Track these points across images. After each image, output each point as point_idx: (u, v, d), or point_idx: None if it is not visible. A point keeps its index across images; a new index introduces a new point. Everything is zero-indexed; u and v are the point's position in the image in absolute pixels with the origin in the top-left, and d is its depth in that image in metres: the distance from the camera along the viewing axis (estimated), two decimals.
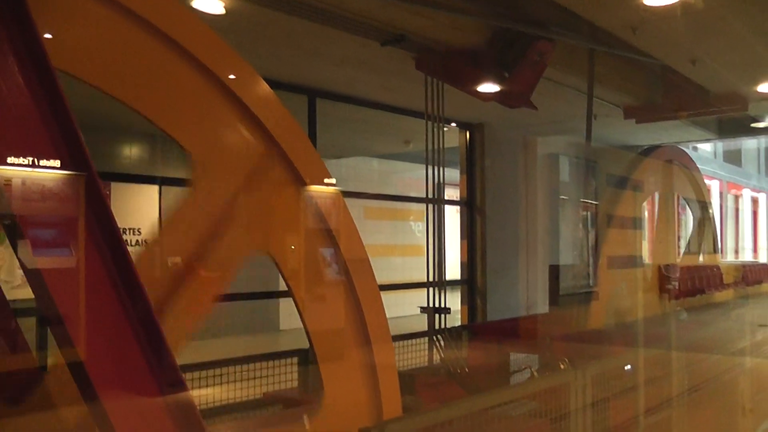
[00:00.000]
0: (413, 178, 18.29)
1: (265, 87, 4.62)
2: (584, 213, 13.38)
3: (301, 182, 4.80)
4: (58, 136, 3.31)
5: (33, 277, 3.26)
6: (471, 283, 12.66)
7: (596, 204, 13.09)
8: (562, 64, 8.78)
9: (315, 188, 4.92)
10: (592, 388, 5.32)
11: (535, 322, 10.33)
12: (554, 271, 11.85)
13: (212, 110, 4.39)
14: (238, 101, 4.39)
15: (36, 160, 3.23)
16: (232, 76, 4.37)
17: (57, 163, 3.30)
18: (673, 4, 7.18)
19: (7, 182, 3.19)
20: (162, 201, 12.25)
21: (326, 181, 5.05)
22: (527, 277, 12.70)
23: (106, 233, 3.40)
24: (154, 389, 3.54)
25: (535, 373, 7.61)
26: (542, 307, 12.12)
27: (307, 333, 4.93)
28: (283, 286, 5.05)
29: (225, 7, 6.61)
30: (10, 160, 3.17)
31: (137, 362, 3.50)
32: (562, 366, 6.68)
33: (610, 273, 11.14)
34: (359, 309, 5.14)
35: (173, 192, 12.07)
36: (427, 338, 8.69)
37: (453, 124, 12.30)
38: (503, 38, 7.93)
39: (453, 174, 12.47)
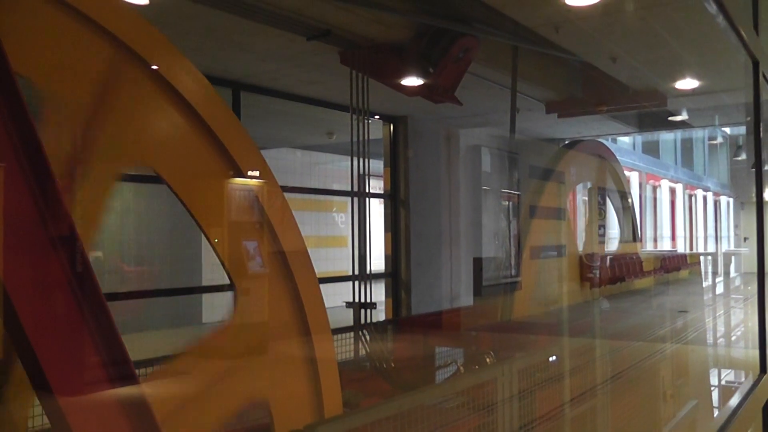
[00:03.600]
0: (336, 168, 18.32)
1: (200, 77, 4.58)
2: (506, 203, 13.57)
3: (237, 172, 4.78)
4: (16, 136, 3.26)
5: None
6: (395, 276, 12.73)
7: (518, 194, 13.30)
8: (486, 59, 8.88)
9: (254, 179, 4.91)
10: (518, 381, 5.42)
11: (459, 315, 10.44)
12: (478, 263, 12.00)
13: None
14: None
15: None
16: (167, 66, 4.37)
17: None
18: (594, 4, 7.33)
19: None
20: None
21: (263, 170, 5.03)
22: (451, 268, 12.81)
23: (61, 230, 3.40)
24: (107, 382, 3.50)
25: (461, 368, 7.70)
26: (467, 298, 12.26)
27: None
28: (206, 282, 5.04)
29: None
30: None
31: (90, 356, 3.45)
32: (488, 360, 6.79)
33: (532, 263, 11.31)
34: (299, 302, 5.14)
35: None
36: (352, 333, 8.71)
37: (377, 117, 12.33)
38: (428, 34, 7.98)
39: (378, 165, 12.51)
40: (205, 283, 15.84)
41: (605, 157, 13.84)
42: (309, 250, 5.30)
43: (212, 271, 15.26)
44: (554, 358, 6.64)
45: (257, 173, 5.00)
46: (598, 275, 12.15)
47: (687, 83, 10.69)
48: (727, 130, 30.00)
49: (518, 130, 10.18)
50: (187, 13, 7.11)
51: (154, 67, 4.32)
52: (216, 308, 15.75)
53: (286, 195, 5.43)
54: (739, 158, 31.82)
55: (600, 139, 15.05)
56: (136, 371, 3.77)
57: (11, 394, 4.03)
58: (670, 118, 13.12)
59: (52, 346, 3.34)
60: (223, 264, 4.85)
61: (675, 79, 10.55)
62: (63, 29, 3.97)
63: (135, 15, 4.35)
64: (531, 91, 10.61)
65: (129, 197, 14.02)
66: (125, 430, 3.60)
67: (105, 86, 4.22)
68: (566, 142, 14.59)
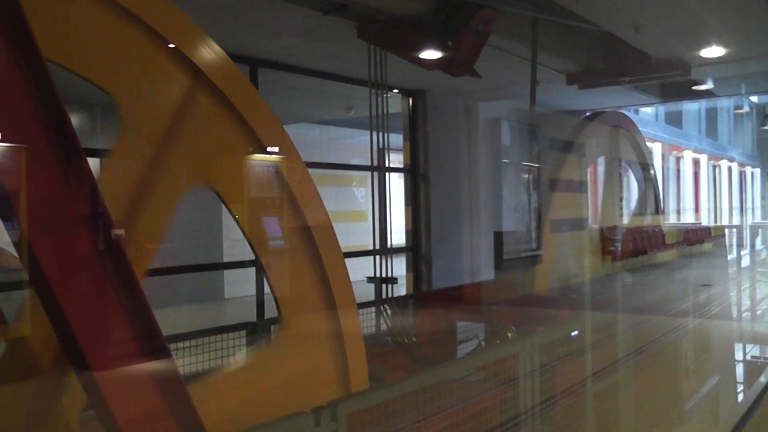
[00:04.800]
0: (356, 143, 18.26)
1: (221, 53, 4.62)
2: (527, 176, 13.50)
3: (261, 149, 4.81)
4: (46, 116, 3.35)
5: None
6: (416, 251, 12.71)
7: (539, 167, 13.20)
8: (506, 31, 8.78)
9: (277, 155, 4.92)
10: (540, 355, 5.39)
11: (480, 289, 10.40)
12: (498, 237, 11.94)
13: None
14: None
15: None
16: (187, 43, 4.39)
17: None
18: None
19: None
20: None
21: (286, 146, 5.05)
22: (471, 242, 12.77)
23: (93, 208, 3.49)
24: (140, 356, 3.59)
25: (483, 343, 7.68)
26: (487, 272, 12.22)
27: (276, 301, 4.95)
28: (228, 258, 5.07)
29: None
30: None
31: (122, 330, 3.55)
32: (509, 334, 6.77)
33: (553, 236, 11.26)
34: (324, 276, 5.16)
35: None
36: (373, 308, 8.69)
37: (395, 91, 12.26)
38: (446, 6, 7.89)
39: (397, 139, 12.46)
40: (226, 259, 15.92)
41: (627, 129, 13.72)
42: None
43: (233, 247, 15.34)
44: (576, 332, 6.61)
45: (281, 149, 5.01)
46: (619, 248, 12.07)
47: (712, 51, 10.47)
48: (754, 98, 29.46)
49: (538, 102, 10.09)
50: None
51: (174, 44, 4.34)
52: (238, 284, 15.84)
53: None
54: (766, 127, 31.45)
55: (621, 111, 14.90)
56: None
57: None
58: (694, 88, 12.92)
59: (87, 322, 3.40)
60: (249, 240, 4.89)
61: (699, 47, 10.36)
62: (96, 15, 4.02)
63: None
64: (551, 62, 10.49)
65: None
66: (159, 402, 3.65)
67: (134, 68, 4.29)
68: (587, 114, 14.45)
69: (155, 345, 3.66)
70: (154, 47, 4.30)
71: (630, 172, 14.29)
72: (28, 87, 3.31)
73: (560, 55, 10.48)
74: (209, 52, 4.57)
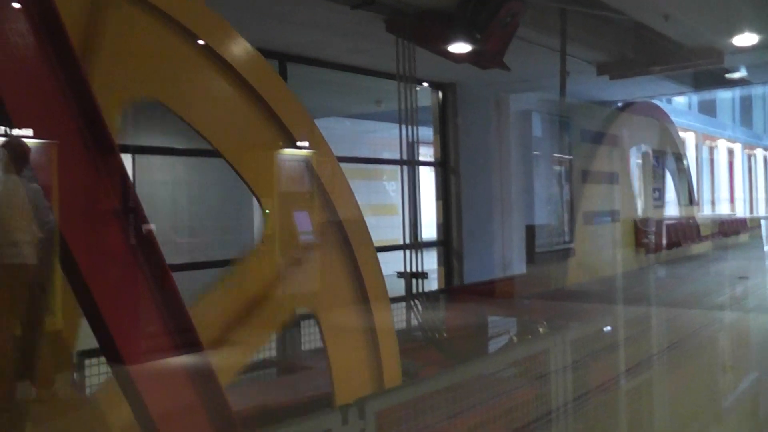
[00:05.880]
0: (386, 137, 18.19)
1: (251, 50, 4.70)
2: (558, 168, 13.39)
3: (292, 143, 4.86)
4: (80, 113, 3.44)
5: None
6: (447, 245, 12.64)
7: (570, 159, 13.10)
8: (534, 23, 8.70)
9: (308, 149, 4.94)
10: (571, 351, 5.33)
11: (511, 283, 10.33)
12: (530, 230, 11.86)
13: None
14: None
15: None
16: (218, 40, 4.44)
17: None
18: None
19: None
20: (136, 170, 12.09)
21: (317, 140, 5.07)
22: (503, 235, 12.68)
23: (126, 203, 3.58)
24: (173, 349, 3.65)
25: (514, 338, 7.63)
26: (519, 265, 12.13)
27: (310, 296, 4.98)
28: None
29: None
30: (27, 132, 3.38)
31: (156, 324, 3.61)
32: (541, 330, 6.71)
33: (586, 229, 11.16)
34: (357, 271, 5.16)
35: (147, 161, 11.90)
36: (404, 303, 8.67)
37: (425, 84, 12.20)
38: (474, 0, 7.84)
39: (427, 132, 12.39)
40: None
41: (659, 119, 13.57)
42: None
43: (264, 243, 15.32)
44: (609, 328, 6.53)
45: (312, 143, 5.02)
46: (653, 241, 11.94)
47: (745, 38, 10.27)
48: None
49: (569, 93, 10.00)
50: None
51: (204, 41, 4.39)
52: None
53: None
54: None
55: (653, 100, 14.73)
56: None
57: None
58: (727, 76, 12.72)
59: (120, 315, 3.44)
60: (275, 234, 4.91)
61: (732, 35, 10.18)
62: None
63: None
64: (581, 53, 10.38)
65: (180, 169, 14.08)
66: (192, 396, 3.67)
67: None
68: (618, 105, 14.29)
69: (188, 339, 3.67)
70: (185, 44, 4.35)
71: (663, 162, 14.13)
72: (62, 84, 3.38)
73: (590, 46, 10.37)
74: (239, 48, 4.62)
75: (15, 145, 3.58)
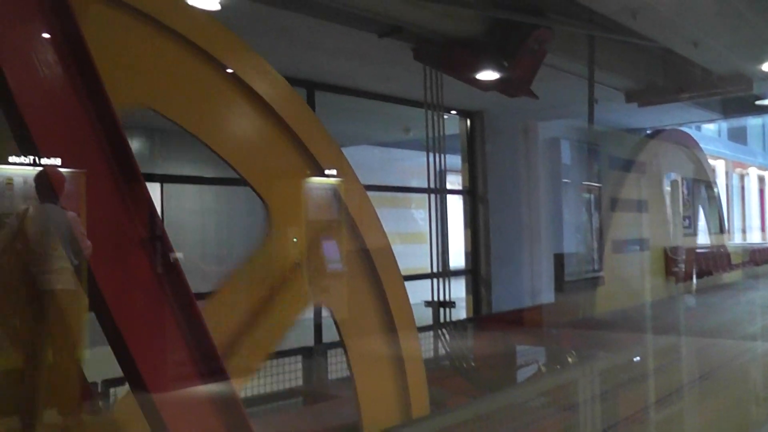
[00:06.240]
0: (414, 165, 18.17)
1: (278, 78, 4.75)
2: (587, 196, 13.31)
3: (319, 172, 4.90)
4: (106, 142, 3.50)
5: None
6: (475, 273, 12.58)
7: (599, 187, 13.02)
8: (562, 50, 8.68)
9: (335, 177, 4.96)
10: (600, 381, 5.26)
11: (540, 312, 10.25)
12: (559, 259, 11.78)
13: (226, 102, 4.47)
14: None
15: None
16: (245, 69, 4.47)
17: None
18: None
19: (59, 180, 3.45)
20: (164, 199, 12.17)
21: (345, 170, 5.08)
22: (531, 263, 12.60)
23: (151, 231, 3.61)
24: (198, 378, 3.66)
25: (543, 368, 7.55)
26: (548, 294, 12.04)
27: (336, 324, 4.96)
28: None
29: (220, 3, 6.53)
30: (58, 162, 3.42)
31: (181, 352, 3.63)
32: (569, 359, 6.63)
33: (615, 257, 11.06)
34: (384, 299, 5.15)
35: (175, 189, 11.99)
36: (432, 332, 8.62)
37: (453, 112, 12.20)
38: (502, 27, 7.83)
39: (455, 160, 12.38)
40: None
41: (689, 146, 13.47)
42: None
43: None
44: (638, 358, 6.45)
45: (339, 171, 5.03)
46: (683, 269, 11.81)
47: None
48: None
49: (597, 120, 9.94)
50: (258, 15, 7.10)
51: (232, 69, 4.41)
52: None
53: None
54: None
55: (683, 128, 14.63)
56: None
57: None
58: (757, 102, 12.62)
59: (145, 344, 3.43)
60: (305, 266, 4.92)
61: (761, 61, 10.11)
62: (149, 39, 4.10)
63: (211, 20, 4.46)
64: (609, 80, 10.33)
65: (209, 198, 14.16)
66: (217, 425, 3.65)
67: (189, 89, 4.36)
68: (647, 132, 14.21)
69: (213, 367, 3.65)
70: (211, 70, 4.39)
71: (693, 190, 14.01)
72: (88, 113, 3.38)
73: (618, 73, 10.33)
74: (267, 77, 4.65)
75: (51, 174, 3.61)
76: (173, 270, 3.63)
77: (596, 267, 11.51)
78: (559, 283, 11.38)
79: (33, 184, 3.76)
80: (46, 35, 3.46)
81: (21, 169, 3.59)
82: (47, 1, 3.46)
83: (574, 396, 5.09)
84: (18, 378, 3.98)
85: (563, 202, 13.11)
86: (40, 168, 3.49)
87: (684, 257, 11.94)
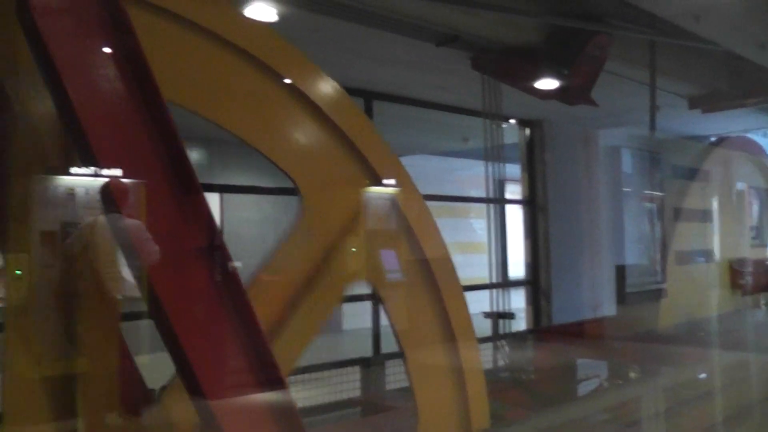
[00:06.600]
0: (473, 174, 18.10)
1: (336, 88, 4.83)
2: (649, 206, 13.12)
3: (377, 181, 4.94)
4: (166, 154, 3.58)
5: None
6: (535, 284, 12.43)
7: (662, 196, 12.82)
8: (622, 56, 8.54)
9: (393, 187, 4.97)
10: (664, 398, 5.14)
11: (601, 325, 10.10)
12: (620, 270, 11.61)
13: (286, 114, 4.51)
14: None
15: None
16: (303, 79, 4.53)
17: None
18: None
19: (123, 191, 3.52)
20: (223, 209, 12.29)
21: (404, 179, 5.08)
22: (592, 275, 12.43)
23: (210, 241, 3.68)
24: (256, 386, 3.71)
25: (604, 383, 7.44)
26: (609, 306, 11.87)
27: (395, 334, 4.95)
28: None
29: (278, 14, 6.55)
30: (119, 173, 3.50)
31: (239, 361, 3.67)
32: (632, 374, 6.51)
33: (678, 269, 10.87)
34: (444, 309, 5.14)
35: (234, 200, 12.09)
36: (491, 343, 8.55)
37: (512, 121, 12.10)
38: (560, 35, 7.73)
39: (514, 170, 12.28)
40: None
41: (755, 154, 13.18)
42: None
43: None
44: (704, 374, 6.29)
45: (397, 181, 5.03)
46: (750, 281, 11.53)
47: None
48: None
49: (660, 128, 9.77)
50: (315, 25, 7.11)
51: (290, 80, 4.46)
52: (356, 316, 15.88)
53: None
54: None
55: (749, 135, 14.32)
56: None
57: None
58: None
59: (204, 353, 3.46)
60: (364, 274, 4.94)
61: None
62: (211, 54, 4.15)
63: (269, 31, 4.52)
64: (671, 86, 10.14)
65: (267, 207, 14.26)
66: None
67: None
68: (712, 140, 13.93)
69: (271, 376, 3.70)
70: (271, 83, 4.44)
71: (760, 199, 13.69)
72: (147, 126, 3.45)
73: (681, 78, 10.13)
74: (324, 87, 4.69)
75: (115, 185, 3.68)
76: (232, 279, 3.67)
77: (659, 279, 11.32)
78: (621, 295, 11.23)
79: (97, 195, 3.82)
80: (106, 50, 3.52)
81: (82, 179, 3.65)
82: (108, 18, 3.52)
83: (637, 413, 4.99)
84: (82, 382, 4.04)
85: (624, 211, 12.94)
86: (106, 179, 3.56)
87: (751, 269, 11.65)
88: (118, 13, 3.52)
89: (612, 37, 7.90)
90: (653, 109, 9.05)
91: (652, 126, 9.30)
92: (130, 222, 3.77)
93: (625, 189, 13.02)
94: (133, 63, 3.51)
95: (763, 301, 11.85)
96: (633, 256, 12.65)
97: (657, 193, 13.09)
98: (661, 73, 8.96)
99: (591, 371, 8.09)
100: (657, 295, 10.73)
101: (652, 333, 9.62)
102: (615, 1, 7.12)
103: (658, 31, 8.16)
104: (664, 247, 11.51)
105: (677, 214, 11.27)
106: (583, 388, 7.78)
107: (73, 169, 3.69)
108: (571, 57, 7.73)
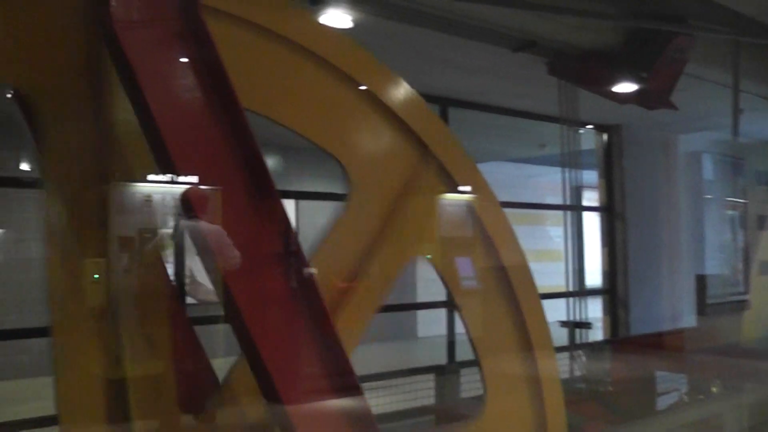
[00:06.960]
0: (550, 181, 17.93)
1: (412, 94, 4.77)
2: (732, 213, 12.83)
3: (454, 187, 4.88)
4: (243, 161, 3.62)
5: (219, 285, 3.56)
6: (613, 293, 12.22)
7: (745, 203, 12.52)
8: (704, 58, 8.35)
9: (470, 194, 4.95)
10: (748, 416, 4.97)
11: (681, 337, 9.87)
12: (701, 280, 11.36)
13: (364, 121, 4.55)
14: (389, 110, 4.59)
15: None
16: (379, 86, 4.56)
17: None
18: None
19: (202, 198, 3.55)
20: (299, 216, 12.37)
21: (481, 185, 5.06)
22: (672, 285, 12.18)
23: (286, 247, 3.70)
24: (332, 392, 3.72)
25: (685, 397, 7.26)
26: (689, 317, 11.61)
27: (471, 342, 4.85)
28: (420, 298, 5.20)
29: (353, 21, 6.58)
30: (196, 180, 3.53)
31: (315, 366, 3.69)
32: (713, 389, 6.33)
33: (762, 279, 10.58)
34: (521, 317, 5.10)
35: (309, 206, 12.17)
36: (566, 353, 8.43)
37: (589, 127, 11.94)
38: (639, 37, 7.59)
39: (591, 176, 12.13)
40: (419, 299, 15.98)
41: None
42: None
43: (426, 288, 15.36)
44: None
45: (474, 188, 5.03)
46: None
47: None
48: None
49: (743, 132, 9.53)
50: (391, 32, 7.12)
51: (366, 86, 4.50)
52: (431, 323, 15.86)
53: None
54: None
55: None
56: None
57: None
58: None
59: (281, 358, 3.51)
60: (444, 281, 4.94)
61: None
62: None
63: (344, 38, 4.57)
64: (756, 88, 9.87)
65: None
66: None
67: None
68: None
69: (347, 382, 3.74)
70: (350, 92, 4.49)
71: None
72: (226, 132, 3.51)
73: (766, 80, 9.87)
74: (401, 93, 4.71)
75: (195, 192, 3.74)
76: (308, 284, 3.70)
77: (741, 289, 11.05)
78: (701, 306, 10.98)
79: (175, 202, 3.89)
80: (185, 60, 3.58)
81: (158, 186, 3.73)
82: (187, 29, 3.58)
83: (720, 430, 4.83)
84: (160, 383, 4.10)
85: (705, 219, 12.68)
86: (184, 186, 3.62)
87: None
88: (198, 23, 3.58)
89: (693, 38, 7.73)
90: (736, 112, 8.84)
91: (735, 130, 9.08)
92: (211, 228, 3.83)
93: (706, 196, 12.75)
94: (212, 72, 3.57)
95: None
96: (714, 265, 12.37)
97: (740, 200, 12.78)
98: (744, 75, 8.74)
99: (670, 385, 7.91)
100: (739, 306, 10.46)
101: (735, 346, 9.36)
102: (696, 0, 6.96)
103: (741, 30, 7.95)
104: (747, 256, 11.22)
105: (761, 222, 10.98)
106: (663, 402, 7.62)
107: (151, 176, 3.76)
108: (651, 60, 7.58)
